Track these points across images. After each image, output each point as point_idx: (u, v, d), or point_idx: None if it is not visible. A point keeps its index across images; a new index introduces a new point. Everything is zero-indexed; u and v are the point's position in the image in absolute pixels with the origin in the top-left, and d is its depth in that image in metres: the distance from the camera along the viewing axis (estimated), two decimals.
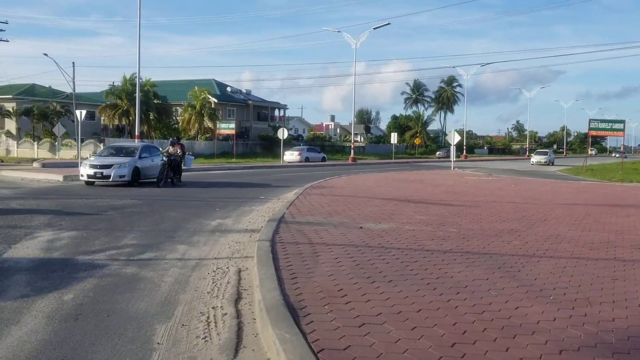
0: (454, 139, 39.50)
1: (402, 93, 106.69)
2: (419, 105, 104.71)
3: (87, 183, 21.08)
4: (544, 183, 27.24)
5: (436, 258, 8.16)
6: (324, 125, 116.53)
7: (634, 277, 7.35)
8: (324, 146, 68.94)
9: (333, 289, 6.25)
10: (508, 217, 13.12)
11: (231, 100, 70.40)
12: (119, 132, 61.39)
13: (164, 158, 21.39)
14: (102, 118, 59.40)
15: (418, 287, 6.48)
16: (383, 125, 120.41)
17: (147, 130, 55.63)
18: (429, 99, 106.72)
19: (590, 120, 42.32)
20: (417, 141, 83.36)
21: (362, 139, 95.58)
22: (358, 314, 5.41)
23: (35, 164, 35.27)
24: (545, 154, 61.27)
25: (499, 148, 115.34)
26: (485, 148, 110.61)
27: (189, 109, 59.19)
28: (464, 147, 77.53)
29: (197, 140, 58.17)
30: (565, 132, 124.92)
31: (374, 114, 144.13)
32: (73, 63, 51.78)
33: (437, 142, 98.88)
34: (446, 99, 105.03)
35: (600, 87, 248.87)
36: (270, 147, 61.70)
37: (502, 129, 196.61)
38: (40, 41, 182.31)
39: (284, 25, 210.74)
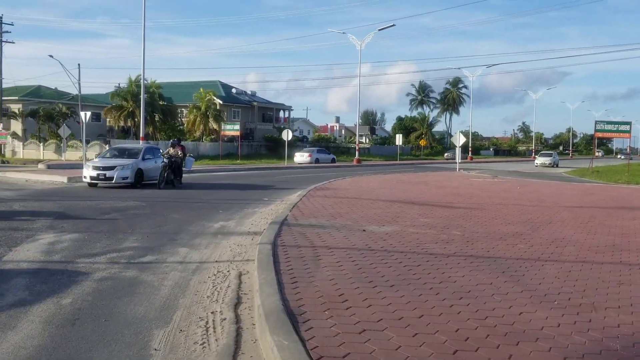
0: (459, 140, 39.35)
1: (408, 94, 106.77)
2: (424, 106, 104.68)
3: (90, 185, 21.04)
4: (550, 185, 27.08)
5: (439, 262, 8.07)
6: (328, 126, 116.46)
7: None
8: (328, 147, 68.87)
9: (334, 294, 6.17)
10: (513, 219, 13.01)
11: (236, 102, 70.44)
12: (125, 133, 61.48)
13: (165, 160, 21.21)
14: (108, 119, 59.58)
15: (420, 291, 6.39)
16: (388, 126, 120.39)
17: (152, 131, 55.72)
18: (434, 100, 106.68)
19: (596, 122, 41.88)
20: (422, 143, 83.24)
21: (367, 140, 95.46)
22: (359, 319, 5.32)
23: (40, 166, 35.31)
24: (549, 155, 60.82)
25: (505, 149, 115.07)
26: (491, 149, 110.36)
27: (194, 110, 59.24)
28: (469, 149, 77.30)
29: (202, 141, 58.20)
30: (571, 134, 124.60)
31: (379, 115, 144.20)
32: (78, 65, 52.50)
33: (442, 143, 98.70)
34: (452, 100, 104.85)
35: (606, 89, 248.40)
36: (275, 148, 61.70)
37: (508, 130, 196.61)
38: (47, 43, 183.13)
39: (289, 26, 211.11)
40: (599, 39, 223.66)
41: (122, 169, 20.52)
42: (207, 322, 5.70)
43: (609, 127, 41.68)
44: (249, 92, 77.41)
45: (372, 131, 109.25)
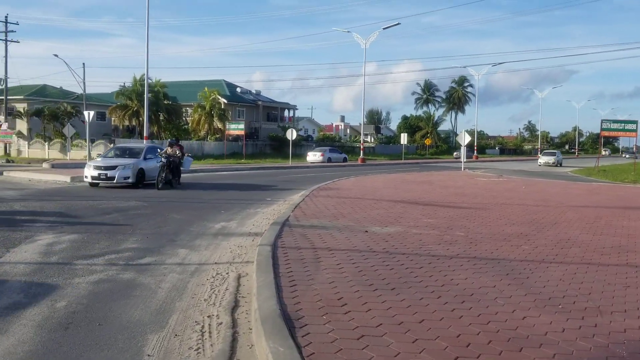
0: (464, 139, 39.17)
1: (413, 93, 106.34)
2: (429, 105, 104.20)
3: (92, 185, 20.94)
4: (555, 184, 26.88)
5: (442, 264, 7.93)
6: (333, 125, 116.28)
7: None
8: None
9: (333, 298, 6.03)
10: (518, 220, 12.85)
11: (241, 101, 70.37)
12: (130, 132, 61.52)
13: (162, 159, 20.76)
14: (113, 119, 59.54)
15: (422, 295, 6.25)
16: (393, 125, 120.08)
17: (157, 130, 55.68)
18: (439, 99, 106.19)
19: (602, 121, 41.61)
20: (427, 142, 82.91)
21: (372, 139, 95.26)
22: (357, 324, 5.19)
23: (44, 165, 35.30)
24: (553, 154, 60.25)
25: (511, 148, 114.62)
26: (497, 148, 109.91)
27: (199, 109, 59.19)
28: (475, 148, 77.00)
29: (207, 140, 58.17)
30: (577, 133, 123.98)
31: (384, 114, 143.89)
32: (83, 64, 52.38)
33: (447, 142, 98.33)
34: (457, 99, 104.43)
35: (613, 87, 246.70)
36: (279, 147, 61.62)
37: (513, 129, 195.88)
38: (52, 42, 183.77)
39: (293, 25, 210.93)
40: (604, 38, 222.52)
41: (123, 168, 20.38)
42: (203, 327, 5.58)
43: (615, 125, 41.44)
44: (254, 91, 77.30)
45: (377, 130, 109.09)
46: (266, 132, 69.40)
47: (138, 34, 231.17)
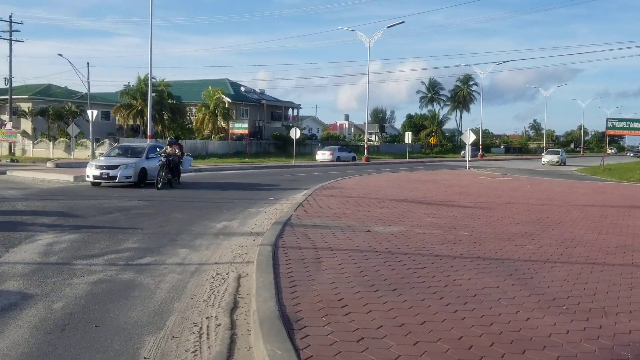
0: (469, 138, 38.99)
1: (418, 92, 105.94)
2: (434, 104, 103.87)
3: (94, 184, 20.87)
4: (560, 183, 26.71)
5: (445, 264, 7.83)
6: (338, 124, 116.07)
7: None
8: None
9: (333, 299, 5.94)
10: (522, 219, 12.74)
11: (245, 100, 70.32)
12: (134, 132, 61.51)
13: (162, 159, 20.57)
14: (117, 118, 59.58)
15: (424, 296, 6.15)
16: (398, 124, 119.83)
17: (161, 130, 55.67)
18: (444, 98, 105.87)
19: (607, 119, 41.37)
20: (432, 140, 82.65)
21: (376, 138, 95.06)
22: (357, 326, 5.09)
23: (48, 164, 35.33)
24: (556, 153, 59.71)
25: (516, 147, 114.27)
26: (502, 147, 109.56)
27: (203, 108, 59.17)
28: (480, 147, 76.75)
29: (211, 139, 58.14)
30: (582, 131, 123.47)
31: (388, 113, 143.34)
32: (87, 63, 52.38)
33: (452, 141, 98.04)
34: (462, 97, 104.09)
35: (618, 86, 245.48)
36: (283, 146, 61.53)
37: (519, 127, 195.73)
38: (56, 41, 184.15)
39: (297, 24, 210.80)
40: (608, 36, 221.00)
41: (125, 168, 20.29)
42: (201, 328, 5.50)
43: (621, 124, 41.17)
44: (258, 90, 77.27)
45: (382, 129, 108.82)
46: (270, 131, 69.34)
47: (143, 33, 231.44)
